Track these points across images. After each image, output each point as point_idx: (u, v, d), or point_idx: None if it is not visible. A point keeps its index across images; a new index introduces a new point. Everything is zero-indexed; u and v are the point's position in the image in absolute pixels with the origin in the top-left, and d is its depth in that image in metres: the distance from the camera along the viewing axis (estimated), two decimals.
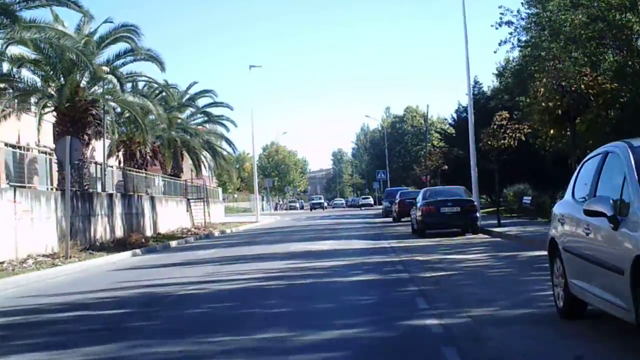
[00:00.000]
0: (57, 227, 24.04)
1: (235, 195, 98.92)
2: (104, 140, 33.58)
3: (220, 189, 64.54)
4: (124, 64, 32.63)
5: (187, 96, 50.89)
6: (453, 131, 63.59)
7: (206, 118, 52.00)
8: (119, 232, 31.63)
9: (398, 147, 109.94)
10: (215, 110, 52.56)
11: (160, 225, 39.62)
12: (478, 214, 27.11)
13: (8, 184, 22.84)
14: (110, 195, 31.44)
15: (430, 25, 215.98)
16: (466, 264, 16.59)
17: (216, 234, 39.34)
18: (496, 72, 66.01)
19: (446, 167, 48.68)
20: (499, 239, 24.19)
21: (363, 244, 24.82)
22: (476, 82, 61.93)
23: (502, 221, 29.07)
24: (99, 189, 33.35)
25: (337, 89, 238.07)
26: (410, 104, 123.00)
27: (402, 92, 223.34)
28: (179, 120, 45.45)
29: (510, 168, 53.41)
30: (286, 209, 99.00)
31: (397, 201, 43.54)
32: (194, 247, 28.55)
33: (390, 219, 46.84)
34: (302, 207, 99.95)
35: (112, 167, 34.72)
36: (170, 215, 42.55)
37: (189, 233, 38.92)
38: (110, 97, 31.81)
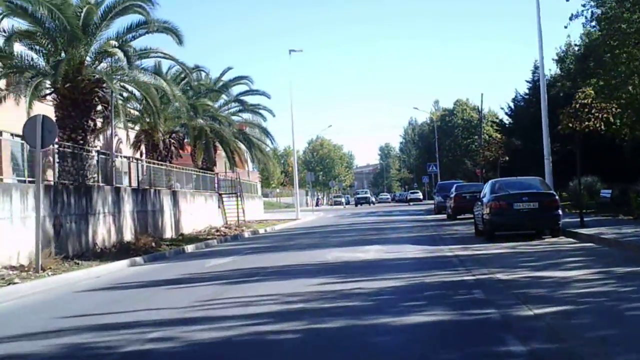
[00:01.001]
0: (38, 229, 18.83)
1: (278, 190, 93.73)
2: (112, 127, 28.44)
3: (258, 184, 59.33)
4: (134, 38, 27.55)
5: (221, 83, 45.80)
6: (510, 121, 57.63)
7: (241, 107, 46.71)
8: (129, 235, 26.54)
9: (448, 140, 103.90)
10: (251, 99, 47.38)
11: (185, 225, 34.54)
12: (560, 212, 21.34)
13: None
14: (117, 190, 26.32)
15: (479, 17, 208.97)
16: (577, 288, 11.04)
17: (246, 234, 34.09)
18: (556, 57, 59.76)
19: (507, 157, 42.85)
20: (592, 245, 18.51)
21: (418, 250, 19.37)
22: (536, 68, 55.86)
23: (583, 220, 23.37)
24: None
25: (384, 82, 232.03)
26: (459, 97, 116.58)
27: (450, 86, 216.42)
28: (208, 108, 40.10)
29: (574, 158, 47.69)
30: (331, 205, 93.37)
31: (452, 196, 37.92)
32: (210, 254, 23.27)
33: (443, 216, 41.21)
34: (347, 203, 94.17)
35: (122, 157, 29.48)
36: (197, 213, 37.44)
37: (217, 234, 33.75)
38: (118, 76, 26.58)
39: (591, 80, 42.21)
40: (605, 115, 23.30)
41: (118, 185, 27.11)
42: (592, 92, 24.42)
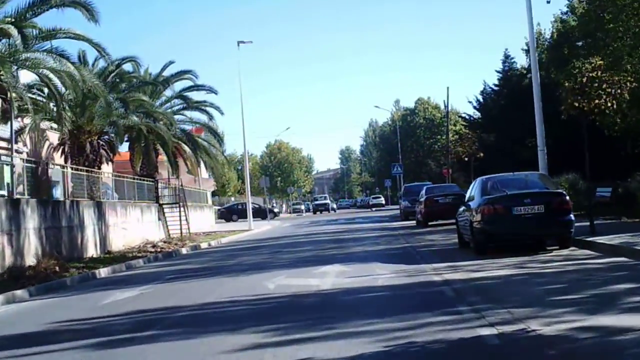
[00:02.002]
0: None
1: (234, 199, 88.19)
2: (11, 123, 23.08)
3: (209, 192, 53.95)
4: (35, 14, 22.34)
5: (161, 79, 40.51)
6: (478, 115, 52.97)
7: (184, 104, 41.42)
8: (31, 257, 21.11)
9: (410, 141, 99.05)
10: (196, 96, 42.17)
11: (115, 241, 29.22)
12: (573, 216, 16.38)
13: None
14: (16, 203, 20.92)
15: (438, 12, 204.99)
16: None
17: (185, 250, 28.78)
18: (525, 47, 55.00)
19: (481, 154, 38.06)
20: (625, 260, 13.58)
21: (392, 272, 14.32)
22: (506, 57, 51.28)
23: (593, 225, 18.52)
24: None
25: (343, 82, 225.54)
26: (421, 96, 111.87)
27: (411, 85, 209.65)
28: (143, 103, 34.63)
29: (556, 151, 43.19)
30: (290, 213, 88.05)
31: (422, 200, 33.01)
32: (123, 281, 17.98)
33: (412, 223, 36.35)
34: (308, 210, 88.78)
35: (25, 160, 23.98)
36: (132, 227, 32.12)
37: (151, 250, 28.43)
38: (11, 58, 21.26)
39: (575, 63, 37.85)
40: (618, 92, 18.51)
41: (18, 197, 21.73)
42: (600, 61, 19.53)
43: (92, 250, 26.49)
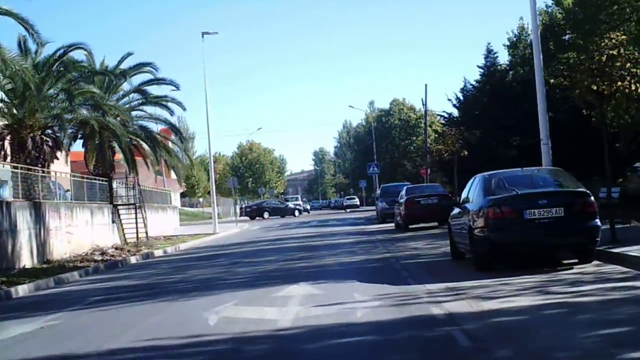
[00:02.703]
0: None
1: (201, 200, 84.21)
2: None
3: (173, 193, 50.05)
4: None
5: (118, 71, 36.67)
6: (458, 113, 49.53)
7: (142, 99, 37.57)
8: None
9: (385, 142, 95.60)
10: (156, 90, 38.31)
11: (57, 248, 25.42)
12: (599, 222, 12.87)
13: None
14: None
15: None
16: None
17: (134, 259, 24.94)
18: (508, 43, 51.75)
19: (465, 152, 34.56)
20: None
21: (373, 296, 10.79)
22: (489, 52, 47.92)
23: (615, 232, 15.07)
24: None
25: (317, 82, 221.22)
26: (395, 97, 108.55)
27: (385, 87, 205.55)
28: (93, 95, 30.77)
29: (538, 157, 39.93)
30: None
31: (402, 201, 29.50)
32: (37, 304, 14.21)
33: (390, 226, 32.91)
34: None
35: None
36: (80, 231, 28.38)
37: (99, 258, 24.70)
38: None
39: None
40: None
41: None
42: (622, 36, 16.03)
43: (26, 259, 22.69)
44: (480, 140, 38.78)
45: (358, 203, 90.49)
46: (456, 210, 15.61)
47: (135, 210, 34.09)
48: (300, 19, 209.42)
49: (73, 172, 35.86)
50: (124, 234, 34.22)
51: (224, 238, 36.14)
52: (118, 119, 35.37)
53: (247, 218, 65.58)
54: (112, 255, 26.00)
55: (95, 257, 25.24)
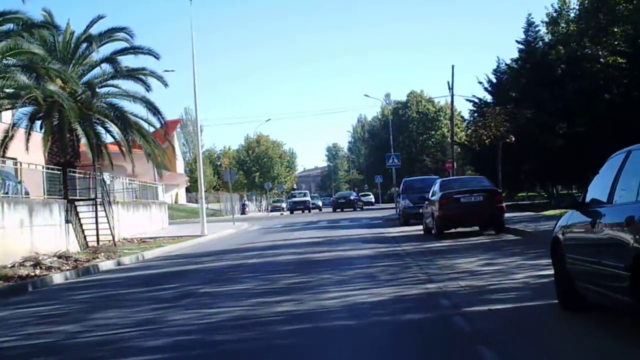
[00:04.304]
0: None
1: (197, 195, 76.26)
2: None
3: (160, 187, 42.44)
4: None
5: (84, 37, 29.33)
6: (490, 98, 41.67)
7: (112, 70, 29.99)
8: None
9: (402, 136, 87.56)
10: (132, 62, 30.94)
11: None
12: None
13: None
14: None
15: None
16: None
17: (60, 278, 17.14)
18: (547, 19, 43.81)
19: (512, 138, 26.83)
20: None
21: None
22: (530, 24, 40.14)
23: None
24: None
25: (329, 82, 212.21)
26: (413, 89, 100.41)
27: (401, 79, 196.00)
28: (33, 59, 23.26)
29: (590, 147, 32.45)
30: (271, 211, 76.18)
31: (435, 198, 21.75)
32: None
33: (415, 229, 25.43)
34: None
35: None
36: (9, 234, 20.85)
37: (12, 275, 17.14)
38: None
39: None
40: None
41: None
42: None
43: None
44: (528, 123, 30.91)
45: (373, 200, 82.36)
46: (576, 218, 7.93)
47: (96, 207, 26.52)
48: (313, 16, 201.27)
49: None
50: (84, 237, 26.71)
51: (208, 242, 28.61)
52: (83, 96, 28.17)
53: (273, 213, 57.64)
54: (48, 268, 18.62)
55: (19, 272, 17.73)
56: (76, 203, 26.84)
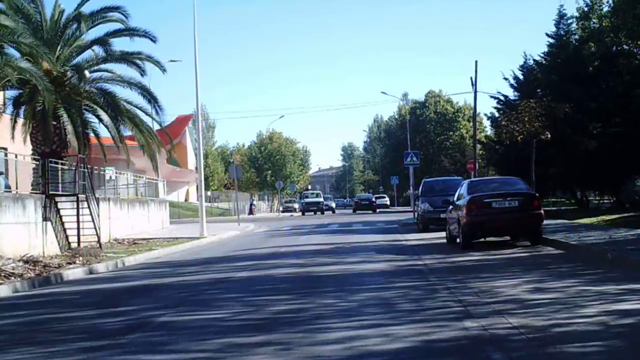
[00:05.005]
0: None
1: (208, 193, 73.30)
2: None
3: (161, 183, 39.24)
4: None
5: (73, 16, 26.51)
6: (516, 95, 38.21)
7: (104, 53, 26.99)
8: None
9: (419, 137, 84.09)
10: (128, 45, 28.66)
11: None
12: None
13: None
14: None
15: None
16: None
17: (5, 292, 14.10)
18: (577, 14, 40.16)
19: (548, 134, 23.54)
20: None
21: None
22: (562, 16, 36.69)
23: None
24: None
25: (346, 82, 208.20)
26: (431, 88, 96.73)
27: (419, 80, 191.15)
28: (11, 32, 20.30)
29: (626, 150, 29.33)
30: (283, 211, 72.80)
31: (462, 203, 18.43)
32: None
33: (436, 236, 22.25)
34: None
35: None
36: None
37: None
38: None
39: None
40: None
41: None
42: None
43: None
44: (560, 121, 27.43)
45: (388, 202, 78.72)
46: None
47: (77, 204, 23.37)
48: (331, 15, 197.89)
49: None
50: (66, 237, 23.62)
51: (205, 246, 25.56)
52: (72, 80, 25.40)
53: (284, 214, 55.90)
54: (8, 275, 15.55)
55: None
56: (57, 199, 23.76)
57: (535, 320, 7.92)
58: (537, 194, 19.18)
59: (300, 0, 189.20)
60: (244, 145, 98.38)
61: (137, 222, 33.12)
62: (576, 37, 38.21)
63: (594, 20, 40.16)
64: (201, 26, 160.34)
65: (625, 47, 35.86)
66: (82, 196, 23.91)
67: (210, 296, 11.38)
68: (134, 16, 31.42)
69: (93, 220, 23.87)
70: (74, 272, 16.62)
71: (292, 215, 63.97)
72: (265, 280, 13.21)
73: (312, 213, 62.59)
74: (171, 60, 48.17)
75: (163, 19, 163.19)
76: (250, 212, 65.18)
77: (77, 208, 23.34)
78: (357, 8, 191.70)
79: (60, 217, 23.67)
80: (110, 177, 33.81)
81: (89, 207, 23.81)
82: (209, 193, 74.92)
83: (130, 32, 27.57)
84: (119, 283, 14.51)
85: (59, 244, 23.18)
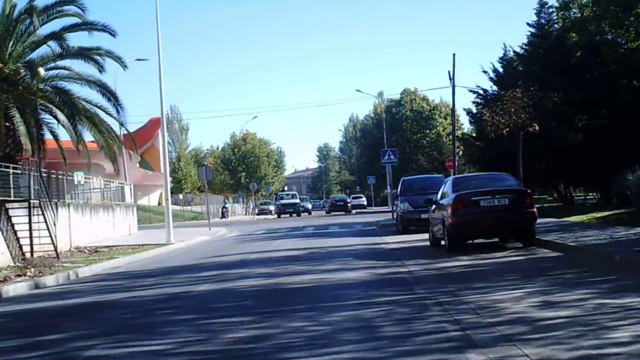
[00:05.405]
0: None
1: (181, 197, 71.25)
2: None
3: (128, 187, 37.16)
4: None
5: (26, 8, 24.55)
6: (495, 88, 36.68)
7: (60, 49, 25.01)
8: None
9: (395, 135, 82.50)
10: (86, 40, 26.08)
11: None
12: None
13: None
14: None
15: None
16: None
17: None
18: (557, 4, 38.66)
19: (536, 127, 21.94)
20: None
21: None
22: (543, 5, 35.24)
23: None
24: None
25: (321, 83, 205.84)
26: (406, 86, 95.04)
27: (394, 78, 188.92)
28: None
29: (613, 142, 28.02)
30: (258, 214, 70.86)
31: (447, 202, 16.71)
32: None
33: (419, 239, 20.59)
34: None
35: None
36: None
37: None
38: None
39: None
40: None
41: None
42: None
43: None
44: (545, 113, 25.85)
45: (365, 202, 76.74)
46: None
47: (29, 211, 21.45)
48: (303, 16, 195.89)
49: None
50: (19, 247, 21.70)
51: (170, 253, 23.76)
52: (26, 78, 23.48)
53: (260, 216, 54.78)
54: None
55: None
56: (9, 205, 21.81)
57: (557, 350, 6.19)
58: (529, 191, 17.52)
59: (276, 2, 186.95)
60: (217, 148, 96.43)
61: (101, 229, 31.16)
62: (557, 27, 36.85)
63: (574, 10, 38.72)
64: (177, 28, 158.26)
65: (608, 36, 34.49)
66: (35, 202, 22.02)
67: (159, 318, 9.58)
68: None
69: (48, 228, 21.94)
70: (15, 288, 14.71)
71: (267, 218, 62.02)
72: (227, 295, 11.43)
73: (288, 215, 60.71)
74: (138, 59, 45.97)
75: (140, 23, 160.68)
76: (223, 215, 63.08)
77: (29, 215, 21.45)
78: (330, 7, 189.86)
79: (13, 225, 21.77)
80: (79, 182, 31.97)
81: (43, 213, 21.87)
82: (180, 196, 72.81)
83: (88, 26, 25.70)
84: (63, 300, 12.63)
85: (11, 254, 21.27)
